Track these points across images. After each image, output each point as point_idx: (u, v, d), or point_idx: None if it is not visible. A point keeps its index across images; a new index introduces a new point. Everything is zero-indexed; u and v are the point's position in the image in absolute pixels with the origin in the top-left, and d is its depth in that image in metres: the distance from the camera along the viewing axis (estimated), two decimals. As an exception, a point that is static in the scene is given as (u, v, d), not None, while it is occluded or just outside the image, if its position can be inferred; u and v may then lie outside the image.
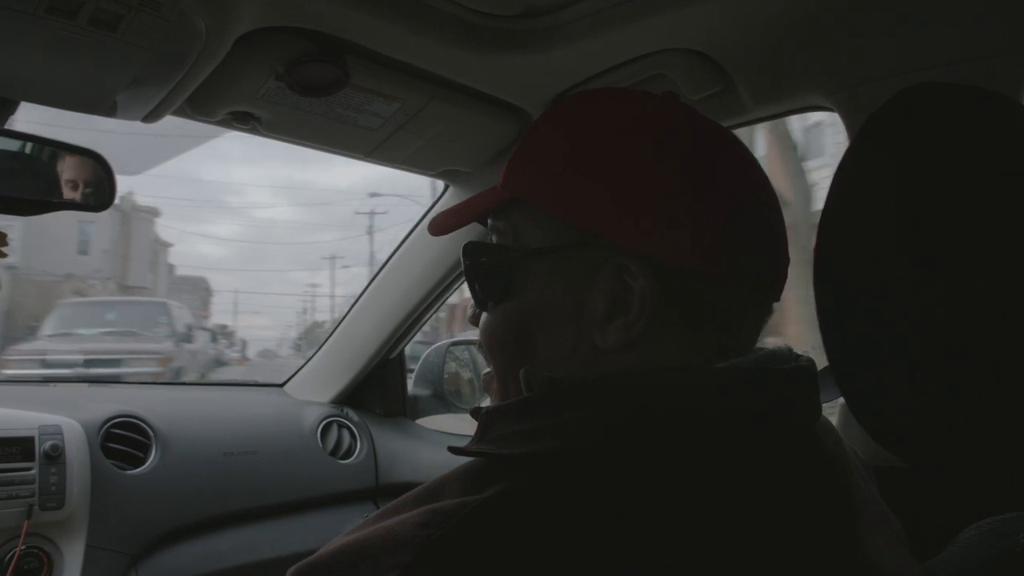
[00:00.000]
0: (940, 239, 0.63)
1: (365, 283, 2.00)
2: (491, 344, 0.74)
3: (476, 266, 0.75)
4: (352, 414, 2.01)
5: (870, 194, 0.69)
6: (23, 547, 1.31)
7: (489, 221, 0.75)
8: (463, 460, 0.64)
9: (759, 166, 0.71)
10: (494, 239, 0.74)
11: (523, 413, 0.63)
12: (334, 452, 1.89)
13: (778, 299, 0.71)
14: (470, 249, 0.76)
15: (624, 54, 1.21)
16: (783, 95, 1.26)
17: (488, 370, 0.77)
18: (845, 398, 0.70)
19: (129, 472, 1.52)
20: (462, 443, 1.88)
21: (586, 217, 0.66)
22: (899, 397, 0.66)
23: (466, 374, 2.34)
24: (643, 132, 0.67)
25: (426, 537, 0.53)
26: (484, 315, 0.75)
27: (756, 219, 0.67)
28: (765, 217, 0.68)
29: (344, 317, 2.04)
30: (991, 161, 0.64)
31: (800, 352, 0.71)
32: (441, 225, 0.81)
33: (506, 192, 0.72)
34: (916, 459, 0.70)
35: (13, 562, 1.29)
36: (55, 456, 1.38)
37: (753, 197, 0.68)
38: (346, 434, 1.95)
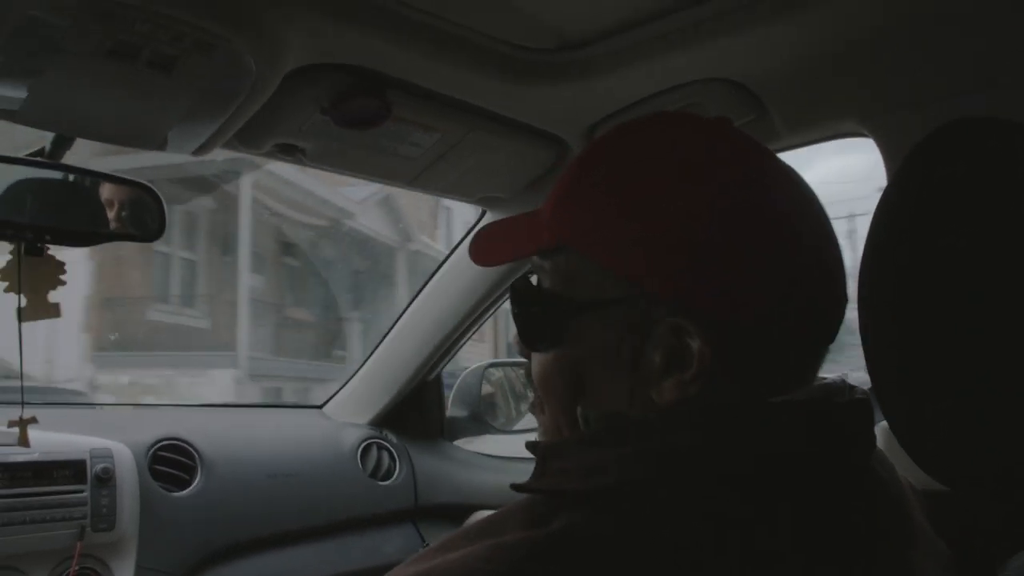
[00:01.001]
0: (987, 269, 0.64)
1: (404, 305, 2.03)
2: (544, 387, 0.72)
3: (523, 310, 0.74)
4: (391, 436, 2.03)
5: (915, 223, 0.70)
6: (76, 568, 1.34)
7: (535, 259, 0.73)
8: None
9: (815, 199, 0.69)
10: (542, 280, 0.72)
11: (583, 448, 0.64)
12: (374, 474, 1.91)
13: (833, 340, 0.70)
14: (519, 293, 0.75)
15: (659, 84, 1.23)
16: (817, 122, 1.27)
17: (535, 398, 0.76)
18: (888, 423, 0.71)
19: (176, 494, 1.55)
20: (500, 466, 1.90)
21: (641, 272, 0.64)
22: (943, 422, 0.67)
23: (503, 396, 2.36)
24: (695, 175, 0.65)
25: (491, 571, 0.54)
26: (534, 355, 0.73)
27: (816, 272, 0.66)
28: (821, 258, 0.67)
29: (383, 339, 2.07)
30: None
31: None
32: (485, 256, 0.81)
33: (554, 237, 0.70)
34: (960, 484, 0.70)
35: None
36: (106, 479, 1.42)
37: (813, 238, 0.67)
38: (385, 456, 1.98)
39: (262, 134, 1.21)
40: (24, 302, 1.14)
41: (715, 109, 1.25)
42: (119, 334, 10.49)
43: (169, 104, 1.04)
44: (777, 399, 0.64)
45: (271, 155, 1.30)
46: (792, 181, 0.69)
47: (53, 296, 1.18)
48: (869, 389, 0.71)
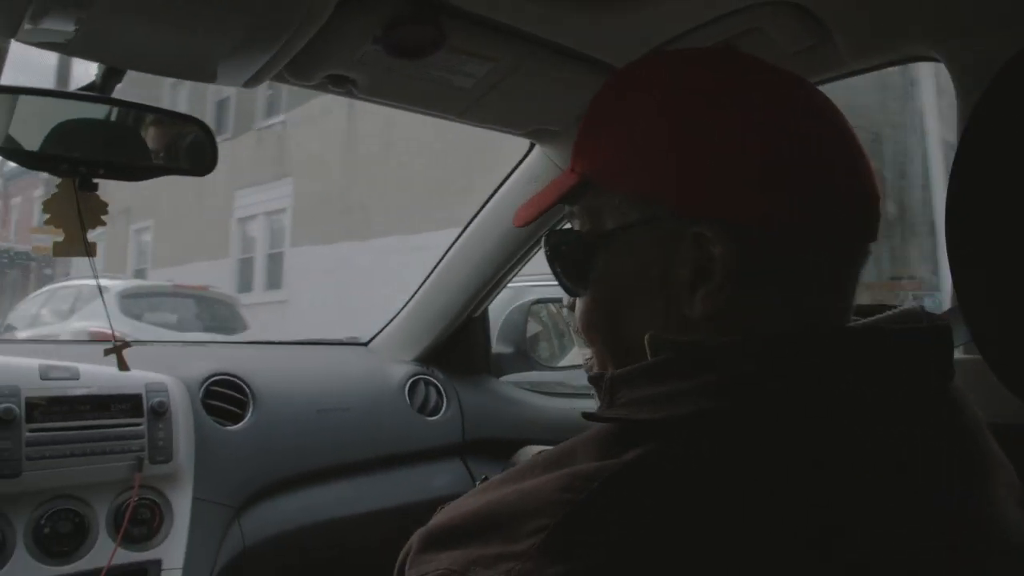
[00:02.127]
0: None
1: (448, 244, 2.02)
2: (586, 329, 0.73)
3: (557, 255, 0.75)
4: (438, 372, 2.04)
5: (1007, 146, 0.66)
6: (136, 498, 1.37)
7: (567, 208, 0.74)
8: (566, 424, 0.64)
9: (839, 117, 0.67)
10: (574, 226, 0.73)
11: (653, 377, 0.62)
12: (422, 409, 1.93)
13: (875, 238, 0.68)
14: (549, 239, 0.75)
15: (718, 9, 1.18)
16: (884, 46, 1.21)
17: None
18: (978, 346, 0.69)
19: (229, 428, 1.58)
20: (546, 401, 1.91)
21: (656, 190, 0.65)
22: None
23: (547, 332, 2.36)
24: (703, 95, 0.65)
25: (569, 500, 0.53)
26: (577, 303, 0.74)
27: (837, 171, 0.65)
28: (848, 168, 0.65)
29: (428, 277, 2.06)
30: None
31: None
32: (522, 217, 0.81)
33: (575, 175, 0.71)
34: None
35: (129, 511, 1.35)
36: (161, 412, 1.44)
37: (832, 149, 0.65)
38: (433, 392, 1.99)
39: (313, 65, 1.18)
40: (62, 237, 1.14)
41: (776, 34, 1.19)
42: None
43: (220, 34, 1.01)
44: (859, 324, 0.63)
45: (322, 87, 1.27)
46: (816, 98, 0.68)
47: (91, 236, 1.18)
48: (949, 312, 0.69)
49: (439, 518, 0.63)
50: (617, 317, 0.69)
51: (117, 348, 1.22)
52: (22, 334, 9.36)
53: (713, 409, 0.57)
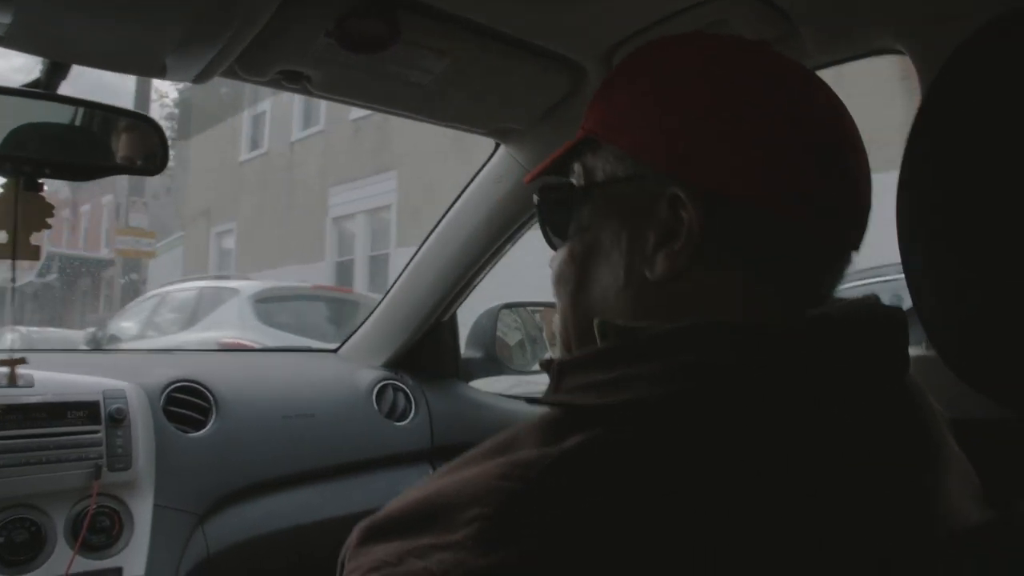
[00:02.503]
0: None
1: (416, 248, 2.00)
2: (556, 282, 0.75)
3: (545, 204, 0.78)
4: (407, 377, 2.02)
5: (958, 130, 0.65)
6: (95, 506, 1.34)
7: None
8: (528, 414, 0.62)
9: (843, 111, 0.68)
10: (572, 181, 0.75)
11: (599, 363, 0.61)
12: (389, 414, 1.90)
13: (857, 247, 0.68)
14: (543, 190, 0.78)
15: (683, 2, 1.17)
16: (849, 39, 1.21)
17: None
18: (932, 342, 0.67)
19: (191, 435, 1.55)
20: (515, 405, 1.89)
21: (643, 149, 0.66)
22: (990, 339, 0.63)
23: (517, 336, 2.34)
24: (699, 66, 0.67)
25: (506, 488, 0.52)
26: (555, 255, 0.76)
27: (824, 154, 0.65)
28: (835, 154, 0.65)
29: (396, 282, 2.04)
30: None
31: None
32: (532, 174, 0.83)
33: (582, 131, 0.74)
34: (1007, 402, 0.66)
35: (87, 519, 1.32)
36: (120, 419, 1.41)
37: (822, 132, 0.66)
38: (401, 397, 1.96)
39: (264, 60, 1.15)
40: (5, 239, 1.11)
41: (741, 27, 1.19)
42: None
43: (163, 25, 0.99)
44: (812, 312, 0.62)
45: (275, 84, 1.25)
46: (810, 80, 0.69)
47: (35, 239, 1.15)
48: (908, 309, 0.68)
49: (381, 511, 0.61)
50: (584, 272, 0.71)
51: (11, 362, 1.20)
52: (134, 345, 8.05)
53: (655, 396, 0.56)
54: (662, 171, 0.65)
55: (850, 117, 0.68)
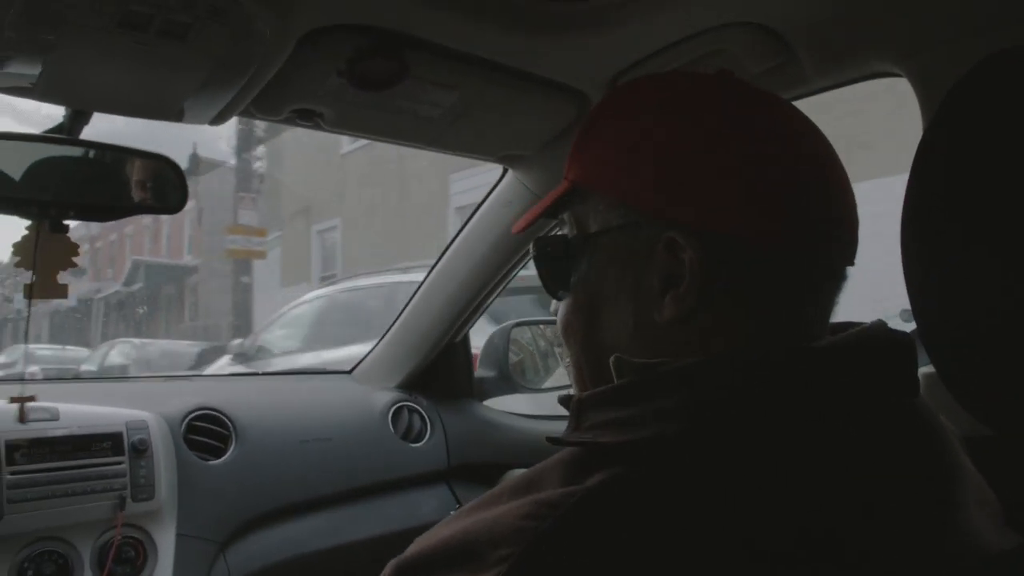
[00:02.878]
0: None
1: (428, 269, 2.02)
2: (564, 331, 0.76)
3: (543, 257, 0.78)
4: (421, 398, 2.04)
5: (961, 161, 0.67)
6: (120, 537, 1.36)
7: (561, 216, 0.77)
8: (549, 448, 0.64)
9: (817, 132, 0.70)
10: (565, 232, 0.76)
11: (618, 400, 0.63)
12: (405, 436, 1.93)
13: (851, 264, 0.70)
14: (538, 243, 0.78)
15: (682, 31, 1.19)
16: (848, 63, 1.22)
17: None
18: (936, 367, 0.69)
19: (212, 463, 1.57)
20: (530, 424, 1.91)
21: (634, 196, 0.68)
22: (990, 364, 0.65)
23: (530, 354, 2.36)
24: (683, 108, 0.68)
25: (533, 528, 0.54)
26: (560, 306, 0.77)
27: (813, 184, 0.66)
28: (824, 182, 0.67)
29: (408, 303, 2.07)
30: None
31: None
32: (519, 225, 0.85)
33: (567, 182, 0.75)
34: (1006, 428, 0.68)
35: (112, 551, 1.35)
36: (143, 450, 1.44)
37: (809, 162, 0.67)
38: (416, 418, 1.99)
39: (279, 100, 1.19)
40: (34, 279, 1.15)
41: (741, 54, 1.21)
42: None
43: (183, 73, 1.03)
44: (822, 343, 0.64)
45: (289, 121, 1.28)
46: (792, 114, 0.70)
47: (62, 277, 1.19)
48: (913, 332, 0.70)
49: (411, 548, 0.63)
50: (593, 321, 0.72)
51: (21, 399, 1.24)
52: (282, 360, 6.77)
53: (674, 432, 0.57)
54: (652, 216, 0.66)
55: (824, 138, 0.70)
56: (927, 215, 0.70)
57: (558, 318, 0.77)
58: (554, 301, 0.79)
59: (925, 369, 0.73)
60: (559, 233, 0.77)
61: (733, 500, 0.54)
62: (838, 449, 0.58)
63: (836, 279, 0.69)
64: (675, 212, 0.65)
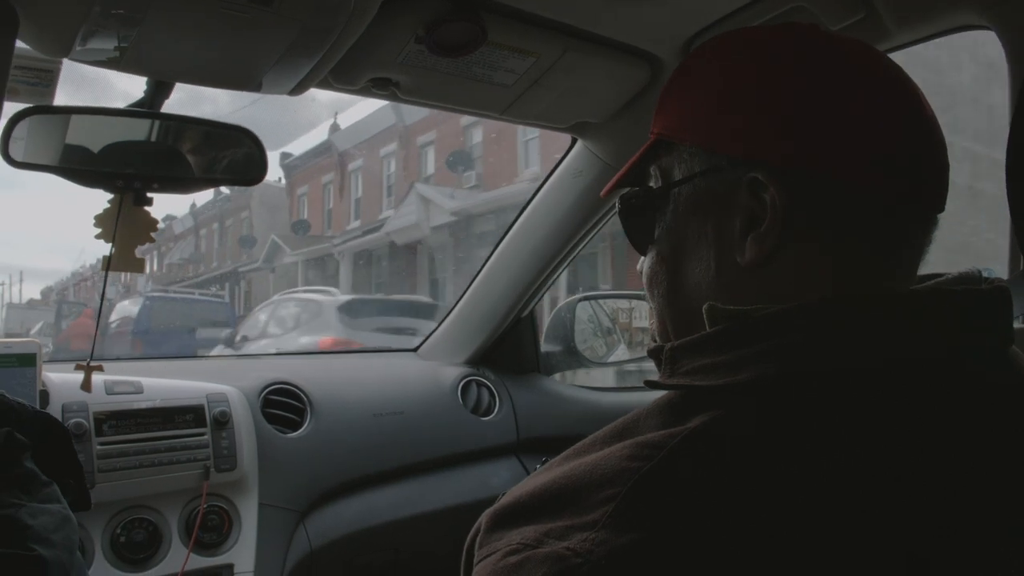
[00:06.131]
0: None
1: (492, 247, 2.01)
2: (649, 284, 0.75)
3: (627, 212, 0.77)
4: (489, 373, 2.04)
5: None
6: (205, 505, 1.39)
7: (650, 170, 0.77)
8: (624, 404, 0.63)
9: (903, 76, 0.67)
10: (651, 185, 0.75)
11: (713, 346, 0.62)
12: (475, 410, 1.94)
13: (941, 210, 0.67)
14: (624, 198, 0.78)
15: None
16: (931, 16, 1.18)
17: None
18: None
19: (289, 435, 1.60)
20: (597, 397, 1.89)
21: (716, 141, 0.67)
22: None
23: (595, 329, 2.35)
24: (765, 54, 0.67)
25: (638, 468, 0.53)
26: (646, 260, 0.76)
27: (899, 127, 0.64)
28: (911, 124, 0.65)
29: (473, 280, 2.06)
30: None
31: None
32: (609, 185, 0.83)
33: (653, 135, 0.74)
34: None
35: (199, 518, 1.37)
36: (224, 422, 1.46)
37: (895, 104, 0.65)
38: (485, 392, 1.99)
39: (357, 69, 1.18)
40: (113, 252, 1.16)
41: (819, 10, 1.17)
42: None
43: (268, 40, 1.02)
44: (920, 287, 0.62)
45: (364, 91, 1.28)
46: (876, 57, 0.67)
47: (139, 251, 1.20)
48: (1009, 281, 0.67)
49: (505, 499, 0.62)
50: (677, 270, 0.71)
51: (88, 368, 1.25)
52: (254, 345, 9.58)
53: (773, 375, 0.57)
54: (738, 158, 0.65)
55: (911, 81, 0.67)
56: None
57: (643, 270, 0.77)
58: (640, 259, 0.78)
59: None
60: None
61: (830, 442, 0.54)
62: (934, 400, 0.57)
63: (924, 224, 0.66)
64: (757, 152, 0.64)
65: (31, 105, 1.09)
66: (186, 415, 1.44)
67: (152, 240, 1.21)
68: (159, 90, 1.16)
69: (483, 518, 0.62)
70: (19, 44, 0.97)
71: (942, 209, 0.67)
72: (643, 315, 2.36)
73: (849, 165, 0.62)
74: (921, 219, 0.66)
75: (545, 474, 0.62)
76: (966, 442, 0.56)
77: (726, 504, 0.51)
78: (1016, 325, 0.69)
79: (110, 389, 1.41)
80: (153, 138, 1.20)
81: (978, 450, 0.57)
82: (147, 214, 1.20)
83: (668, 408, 0.61)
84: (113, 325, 11.84)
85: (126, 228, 1.18)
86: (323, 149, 22.26)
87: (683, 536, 0.50)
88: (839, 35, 0.69)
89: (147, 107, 1.17)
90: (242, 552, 1.42)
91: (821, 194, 0.63)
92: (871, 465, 0.53)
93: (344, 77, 1.20)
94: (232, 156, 1.23)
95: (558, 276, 2.00)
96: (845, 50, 0.67)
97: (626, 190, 0.78)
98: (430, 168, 18.49)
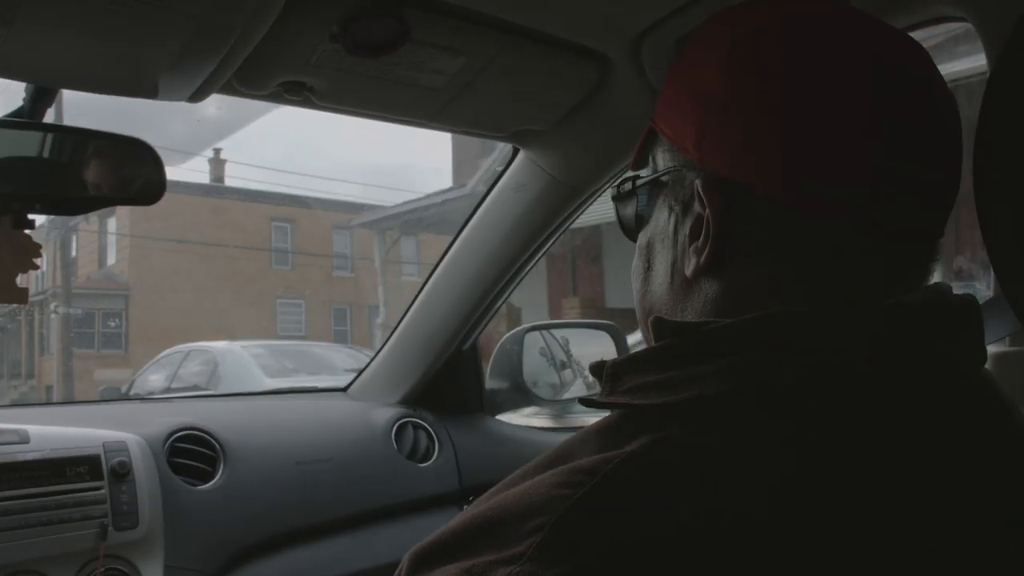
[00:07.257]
0: None
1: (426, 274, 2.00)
2: (632, 275, 0.78)
3: (617, 197, 0.80)
4: (427, 413, 2.02)
5: None
6: (102, 569, 1.34)
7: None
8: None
9: (899, 73, 0.63)
10: (639, 174, 0.77)
11: (656, 362, 0.62)
12: (411, 455, 1.90)
13: (938, 235, 0.65)
14: (618, 189, 0.81)
15: None
16: (907, 7, 1.21)
17: None
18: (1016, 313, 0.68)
19: (200, 488, 1.55)
20: (549, 438, 1.88)
21: (680, 137, 0.68)
22: None
23: (546, 361, 2.34)
24: (722, 46, 0.66)
25: (568, 496, 0.53)
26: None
27: (867, 149, 0.61)
28: (891, 145, 0.61)
29: (407, 310, 2.04)
30: None
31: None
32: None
33: (651, 122, 0.75)
34: None
35: None
36: (123, 473, 1.42)
37: (869, 117, 0.61)
38: (422, 435, 1.96)
39: (265, 71, 1.17)
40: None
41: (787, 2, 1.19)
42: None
43: (160, 41, 1.00)
44: (888, 301, 0.61)
45: (276, 97, 1.26)
46: (863, 54, 0.64)
47: (21, 280, 1.16)
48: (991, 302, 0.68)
49: (430, 536, 0.61)
50: (647, 268, 0.74)
51: None
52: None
53: (719, 393, 0.57)
54: (693, 162, 0.66)
55: (911, 80, 0.63)
56: (1000, 164, 0.68)
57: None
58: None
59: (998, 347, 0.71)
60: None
61: (773, 470, 0.54)
62: (897, 417, 0.57)
63: (916, 252, 0.65)
64: (707, 159, 0.65)
65: None
66: (79, 467, 1.39)
67: (36, 267, 1.18)
68: (39, 97, 1.13)
69: (405, 559, 0.61)
70: None
71: (934, 237, 0.65)
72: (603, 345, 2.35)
73: (796, 190, 0.61)
74: (892, 250, 0.64)
75: (473, 508, 0.62)
76: (926, 468, 0.57)
77: (661, 534, 0.51)
78: (998, 348, 0.70)
79: None
80: (35, 153, 1.17)
81: (949, 470, 0.57)
82: (28, 238, 1.16)
83: (606, 431, 0.61)
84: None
85: (4, 254, 1.15)
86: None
87: (614, 569, 0.50)
88: (820, 19, 0.66)
89: (27, 117, 1.14)
90: (146, 623, 1.37)
91: (764, 214, 0.62)
92: (823, 490, 0.53)
93: (251, 81, 1.18)
94: (126, 171, 1.20)
95: (502, 303, 1.98)
96: (821, 43, 0.63)
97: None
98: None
